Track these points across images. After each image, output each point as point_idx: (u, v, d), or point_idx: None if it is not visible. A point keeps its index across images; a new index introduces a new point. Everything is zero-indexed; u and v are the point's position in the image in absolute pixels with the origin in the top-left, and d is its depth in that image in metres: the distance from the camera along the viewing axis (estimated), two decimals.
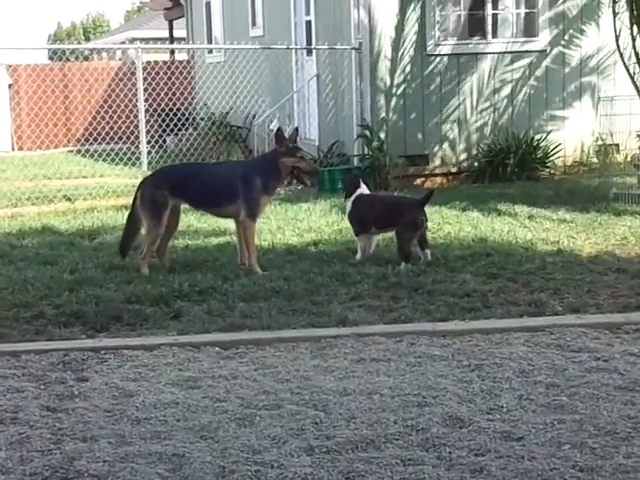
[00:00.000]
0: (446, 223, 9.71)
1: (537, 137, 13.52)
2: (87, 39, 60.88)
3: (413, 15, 13.29)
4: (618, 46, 11.58)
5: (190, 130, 17.93)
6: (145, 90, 13.67)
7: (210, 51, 20.25)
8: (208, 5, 20.66)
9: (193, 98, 20.69)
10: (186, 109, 19.41)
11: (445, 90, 13.56)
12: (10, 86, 23.63)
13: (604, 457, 3.93)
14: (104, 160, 15.63)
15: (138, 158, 13.54)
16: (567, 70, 13.92)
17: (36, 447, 4.18)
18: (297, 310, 6.52)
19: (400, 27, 13.26)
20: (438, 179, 13.57)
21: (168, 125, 16.66)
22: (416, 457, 3.96)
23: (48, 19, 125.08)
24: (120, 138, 17.56)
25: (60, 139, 22.56)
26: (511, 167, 13.18)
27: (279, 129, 8.34)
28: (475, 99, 13.67)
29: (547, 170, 13.56)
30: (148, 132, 13.93)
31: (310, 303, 6.71)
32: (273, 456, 4.01)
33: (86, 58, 25.75)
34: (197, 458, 4.00)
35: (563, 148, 13.72)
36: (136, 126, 13.77)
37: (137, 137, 13.59)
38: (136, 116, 13.77)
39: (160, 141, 16.36)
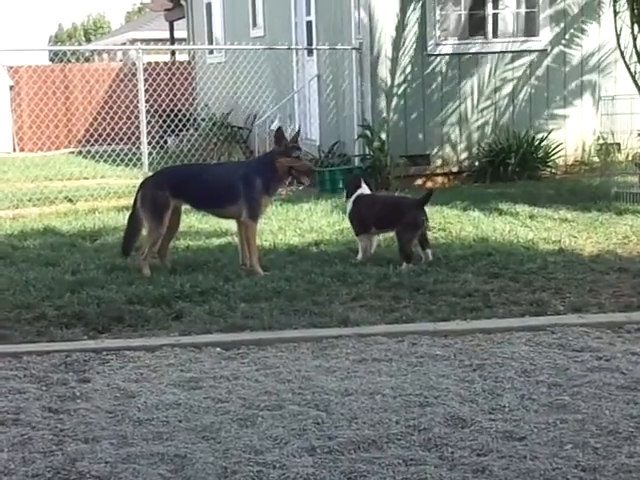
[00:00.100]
0: (447, 223, 9.70)
1: (538, 136, 13.52)
2: (88, 40, 60.95)
3: (413, 15, 13.29)
4: (619, 45, 11.58)
5: (191, 131, 17.93)
6: (146, 91, 13.68)
7: (211, 52, 20.25)
8: (209, 6, 20.66)
9: (194, 99, 20.69)
10: (187, 110, 19.40)
11: (446, 90, 13.56)
12: (11, 87, 23.63)
13: (606, 457, 3.93)
14: (105, 161, 15.65)
15: (139, 159, 13.54)
16: (568, 69, 13.92)
17: (38, 448, 4.18)
18: (298, 310, 6.52)
19: (400, 27, 13.26)
20: (439, 179, 13.57)
21: (169, 126, 16.68)
22: (418, 457, 3.96)
23: (49, 20, 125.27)
24: (121, 139, 17.57)
25: (61, 140, 22.57)
26: (512, 166, 13.18)
27: (279, 129, 8.34)
28: (476, 98, 13.66)
29: (548, 169, 13.56)
30: (149, 133, 13.94)
31: (311, 303, 6.71)
32: (275, 456, 4.01)
33: (87, 59, 25.75)
34: (199, 459, 4.00)
35: (564, 147, 13.72)
36: (137, 127, 13.78)
37: (138, 138, 13.59)
38: (137, 117, 13.78)
39: (161, 142, 16.37)
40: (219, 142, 16.56)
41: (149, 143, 13.81)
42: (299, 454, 4.03)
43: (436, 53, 13.46)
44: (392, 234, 8.19)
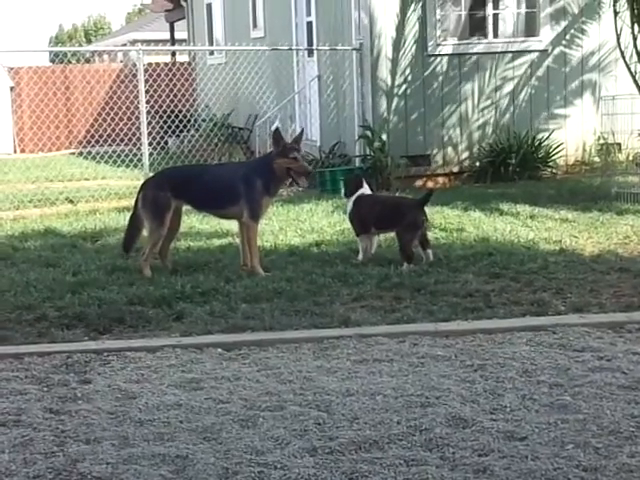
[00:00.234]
0: (448, 223, 9.70)
1: (539, 136, 13.52)
2: (88, 41, 60.95)
3: (413, 15, 13.29)
4: (619, 45, 11.58)
5: (192, 132, 17.94)
6: (146, 92, 13.69)
7: (211, 53, 20.26)
8: (209, 7, 20.67)
9: (194, 100, 20.71)
10: (187, 111, 19.42)
11: (446, 90, 13.56)
12: (12, 89, 23.64)
13: (608, 457, 3.93)
14: (106, 162, 15.65)
15: (140, 160, 13.55)
16: (568, 68, 13.92)
17: (39, 449, 4.18)
18: (299, 311, 6.52)
19: (401, 27, 13.27)
20: (440, 179, 13.57)
21: (170, 127, 16.68)
22: (419, 457, 3.96)
23: (49, 21, 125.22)
24: (122, 140, 17.57)
25: (62, 141, 22.58)
26: (513, 167, 13.19)
27: (276, 130, 8.34)
28: (476, 99, 13.67)
29: (549, 169, 13.56)
30: (150, 134, 13.94)
31: (312, 304, 6.71)
32: (276, 457, 4.01)
33: (87, 60, 25.78)
34: (200, 459, 4.00)
35: (565, 147, 13.72)
36: (138, 128, 13.78)
37: (139, 139, 13.59)
38: (138, 118, 13.78)
39: (162, 143, 16.37)
40: (220, 143, 16.56)
41: (150, 144, 13.81)
42: (300, 455, 4.03)
43: (436, 53, 13.46)
44: (393, 234, 8.19)
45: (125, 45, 33.48)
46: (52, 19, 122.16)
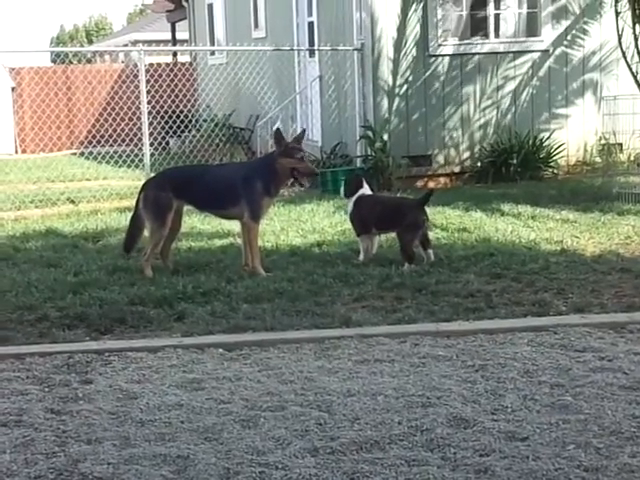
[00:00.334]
0: (450, 223, 9.70)
1: (540, 137, 13.52)
2: (90, 42, 60.98)
3: (415, 16, 13.29)
4: (621, 46, 11.58)
5: (193, 132, 17.95)
6: (148, 92, 13.70)
7: (212, 53, 20.27)
8: (210, 7, 20.67)
9: (196, 100, 20.71)
10: (189, 111, 19.44)
11: (447, 90, 13.56)
12: (13, 89, 23.65)
13: (609, 457, 3.93)
14: (107, 162, 15.66)
15: (141, 160, 13.56)
16: (569, 68, 13.91)
17: (40, 450, 4.18)
18: (301, 311, 6.52)
19: (402, 28, 13.26)
20: (441, 179, 13.57)
21: (171, 127, 16.69)
22: (421, 458, 3.96)
23: (51, 22, 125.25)
24: (123, 140, 17.59)
25: (63, 142, 22.59)
26: (514, 167, 13.19)
27: (277, 130, 8.33)
28: (478, 99, 13.67)
29: (550, 170, 13.56)
30: (151, 134, 13.96)
31: (314, 304, 6.71)
32: (277, 457, 4.01)
33: (89, 61, 25.79)
34: (201, 460, 4.01)
35: (566, 148, 13.72)
36: (139, 128, 13.79)
37: (140, 139, 13.60)
38: (139, 118, 13.79)
39: (163, 143, 16.38)
40: (221, 143, 16.57)
41: (151, 144, 13.83)
42: (301, 455, 4.04)
43: (437, 54, 13.46)
44: (394, 235, 8.19)
45: (126, 45, 33.48)
46: (53, 19, 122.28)
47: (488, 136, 13.67)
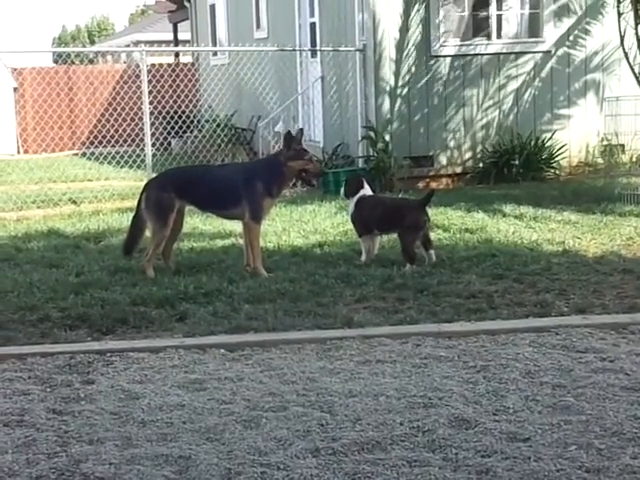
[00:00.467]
0: (451, 224, 9.69)
1: (542, 138, 13.51)
2: (92, 42, 61.01)
3: (417, 16, 13.29)
4: (623, 47, 11.57)
5: (195, 132, 17.95)
6: (150, 93, 13.70)
7: (214, 53, 20.27)
8: (212, 7, 20.68)
9: (198, 100, 20.71)
10: (191, 111, 19.43)
11: (449, 91, 13.56)
12: (15, 89, 23.67)
13: (611, 458, 3.93)
14: (109, 163, 15.67)
15: (143, 161, 13.56)
16: (572, 69, 13.90)
17: (42, 450, 4.19)
18: (302, 312, 6.52)
19: (404, 28, 13.26)
20: (443, 180, 13.57)
21: (173, 128, 16.70)
22: (422, 458, 3.96)
23: (53, 22, 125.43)
24: (125, 141, 17.60)
25: (65, 142, 22.61)
26: (516, 168, 13.18)
27: (289, 132, 8.31)
28: (480, 100, 13.66)
29: (552, 171, 13.55)
30: (153, 135, 13.96)
31: (315, 305, 6.71)
32: (279, 458, 4.01)
33: (91, 61, 25.81)
34: (203, 460, 4.01)
35: (568, 148, 13.71)
36: (141, 129, 13.80)
37: (142, 140, 13.61)
38: (141, 119, 13.80)
39: (165, 144, 16.39)
40: (223, 144, 16.57)
41: (153, 145, 13.83)
42: (303, 455, 4.04)
43: (439, 54, 13.46)
44: (395, 235, 8.19)
45: (128, 46, 33.51)
46: (55, 20, 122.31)
47: (490, 137, 13.67)
